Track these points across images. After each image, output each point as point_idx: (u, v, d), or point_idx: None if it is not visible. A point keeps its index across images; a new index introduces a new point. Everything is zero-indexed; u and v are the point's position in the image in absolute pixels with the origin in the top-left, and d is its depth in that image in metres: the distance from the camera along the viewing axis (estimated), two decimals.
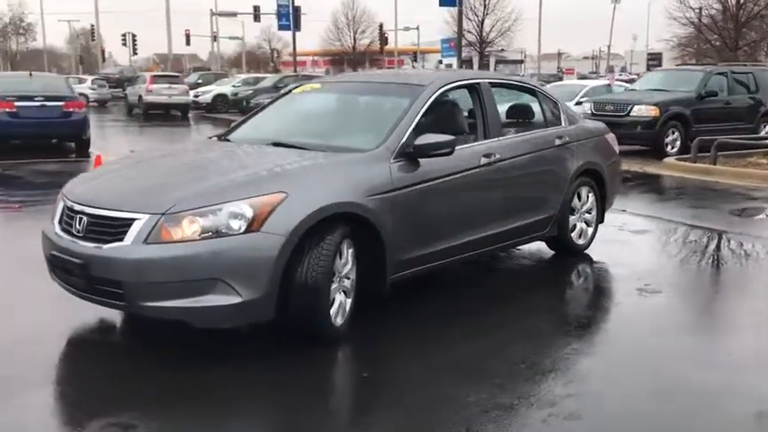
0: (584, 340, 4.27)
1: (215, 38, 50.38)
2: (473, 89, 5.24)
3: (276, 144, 4.65)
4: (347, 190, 4.05)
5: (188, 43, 52.66)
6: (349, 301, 4.19)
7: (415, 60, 57.87)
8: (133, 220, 3.65)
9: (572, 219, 5.89)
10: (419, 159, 4.48)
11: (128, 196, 3.85)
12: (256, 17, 44.90)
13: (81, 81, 32.40)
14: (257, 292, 3.62)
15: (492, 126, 5.17)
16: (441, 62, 46.88)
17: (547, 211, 5.60)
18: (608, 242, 6.45)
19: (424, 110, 4.71)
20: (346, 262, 4.10)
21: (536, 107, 5.86)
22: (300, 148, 4.50)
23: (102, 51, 59.42)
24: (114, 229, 3.69)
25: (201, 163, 4.30)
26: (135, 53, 50.31)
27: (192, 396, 3.41)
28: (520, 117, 5.76)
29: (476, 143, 5.04)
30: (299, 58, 73.99)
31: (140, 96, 24.69)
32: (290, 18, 35.02)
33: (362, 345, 4.12)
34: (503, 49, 51.69)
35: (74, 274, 3.77)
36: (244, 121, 5.48)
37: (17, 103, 12.10)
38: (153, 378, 3.59)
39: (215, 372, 3.66)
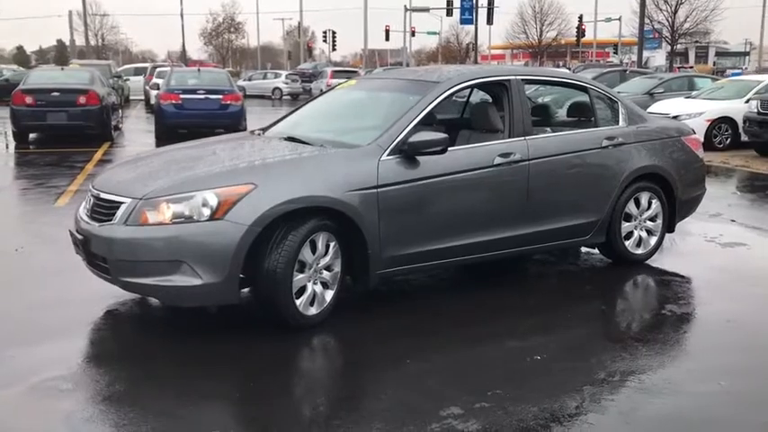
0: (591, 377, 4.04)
1: (413, 33, 51.73)
2: (499, 86, 5.08)
3: (289, 138, 4.89)
4: (323, 184, 4.18)
5: (387, 39, 54.77)
6: (329, 292, 4.32)
7: (616, 53, 55.11)
8: (121, 203, 4.08)
9: (626, 226, 5.48)
10: (417, 157, 4.48)
11: (123, 182, 4.30)
12: (449, 12, 45.41)
13: (276, 76, 35.01)
14: (217, 276, 3.89)
15: (517, 124, 4.98)
16: (615, 51, 44.00)
17: (588, 215, 5.27)
18: (684, 254, 5.91)
19: (430, 107, 4.69)
20: (322, 254, 4.23)
21: (585, 105, 5.53)
22: (304, 143, 4.70)
23: (310, 48, 63.54)
24: (108, 210, 4.15)
25: (204, 155, 4.65)
26: (334, 49, 53.23)
27: (174, 361, 3.78)
28: (568, 115, 5.47)
29: (491, 142, 4.90)
30: (496, 52, 74.04)
31: (321, 90, 26.23)
32: (473, 12, 35.32)
33: (347, 336, 4.25)
34: (724, 42, 47.45)
35: (81, 248, 4.29)
36: (289, 114, 5.78)
37: (182, 96, 13.55)
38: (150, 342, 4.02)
39: (193, 341, 4.04)
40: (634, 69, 24.07)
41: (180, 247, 3.89)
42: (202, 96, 13.71)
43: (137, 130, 17.39)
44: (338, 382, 3.78)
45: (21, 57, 77.81)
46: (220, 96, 13.76)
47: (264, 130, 5.53)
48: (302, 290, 4.16)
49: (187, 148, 5.00)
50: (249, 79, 36.63)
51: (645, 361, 3.86)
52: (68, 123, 13.63)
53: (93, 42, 62.03)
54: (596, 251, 5.72)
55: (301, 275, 4.13)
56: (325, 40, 51.61)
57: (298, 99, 33.23)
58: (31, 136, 14.46)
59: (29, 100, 13.43)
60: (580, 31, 47.24)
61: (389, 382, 3.63)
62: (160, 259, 3.91)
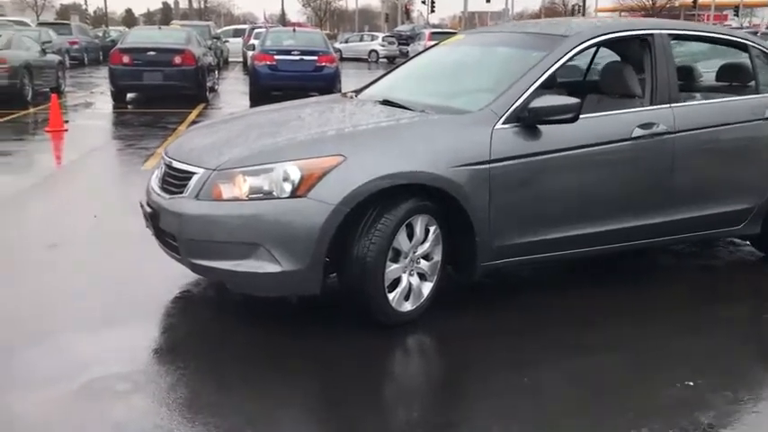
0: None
1: None
2: (640, 42, 4.22)
3: (385, 102, 4.22)
4: (425, 157, 3.49)
5: (487, 0, 53.04)
6: (427, 285, 3.67)
7: (736, 15, 51.07)
8: (193, 174, 3.55)
9: None
10: (538, 126, 3.73)
11: (197, 150, 3.75)
12: None
13: (373, 38, 34.35)
14: (298, 263, 3.30)
15: (661, 89, 4.12)
16: (736, 14, 39.86)
17: (742, 201, 4.38)
18: None
19: (556, 66, 3.90)
20: (420, 241, 3.58)
21: (743, 67, 4.58)
22: (402, 108, 4.03)
23: (408, 10, 62.36)
24: (180, 181, 3.62)
25: (288, 120, 4.04)
26: (432, 11, 51.86)
27: (246, 358, 3.26)
28: (717, 79, 4.55)
29: (629, 110, 4.07)
30: (604, 14, 70.43)
31: (418, 52, 25.31)
32: None
33: (439, 337, 3.61)
34: None
35: (150, 223, 3.81)
36: (385, 75, 5.11)
37: (277, 57, 13.12)
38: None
39: (271, 330, 3.52)
40: (766, 32, 21.90)
41: (256, 227, 3.32)
42: (297, 57, 13.24)
43: (233, 92, 17.20)
44: (433, 399, 3.15)
45: (129, 19, 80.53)
46: (315, 58, 13.24)
47: (357, 92, 4.89)
48: (396, 282, 3.53)
49: (271, 112, 4.41)
50: (346, 41, 36.17)
51: None
52: (164, 83, 13.51)
53: (195, 5, 63.11)
54: (746, 243, 4.82)
55: (395, 265, 3.50)
56: (423, 2, 50.40)
57: (394, 62, 32.48)
58: (129, 96, 14.46)
59: (126, 59, 13.35)
60: None
61: (495, 405, 2.97)
62: (234, 240, 3.35)
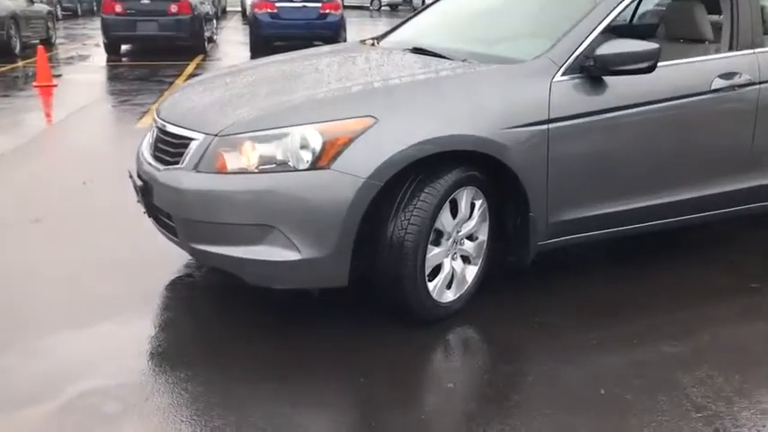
0: None
1: None
2: None
3: (416, 50, 3.58)
4: (471, 118, 2.87)
5: None
6: (471, 269, 3.10)
7: None
8: (191, 140, 2.93)
9: None
10: (604, 78, 3.11)
11: (194, 111, 3.12)
12: None
13: None
14: (321, 248, 2.71)
15: (743, 32, 3.47)
16: None
17: None
18: None
19: (625, 4, 3.24)
20: (465, 218, 2.99)
21: None
22: (438, 56, 3.39)
23: None
24: (174, 149, 3.02)
25: (303, 73, 3.39)
26: None
27: (260, 361, 2.71)
28: None
29: (705, 57, 3.43)
30: None
31: (423, 2, 24.33)
32: None
33: (486, 336, 3.05)
34: None
35: (141, 198, 3.21)
36: (412, 17, 4.44)
37: (278, 4, 12.32)
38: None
39: (291, 323, 2.96)
40: None
41: (269, 206, 2.72)
42: (299, 4, 12.45)
43: (232, 42, 16.41)
44: (483, 411, 2.60)
45: None
46: (319, 5, 12.45)
47: (379, 39, 4.23)
48: (437, 269, 2.96)
49: (282, 63, 3.75)
50: None
51: None
52: (159, 34, 12.78)
53: None
54: None
55: (437, 249, 2.91)
56: None
57: (396, 10, 31.38)
58: (123, 47, 13.71)
59: (118, 8, 12.58)
60: None
61: (561, 418, 2.42)
62: (241, 222, 2.75)
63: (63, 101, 8.73)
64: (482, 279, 3.15)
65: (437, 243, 2.91)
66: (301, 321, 3.05)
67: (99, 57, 13.09)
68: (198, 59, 12.50)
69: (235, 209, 2.76)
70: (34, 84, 9.51)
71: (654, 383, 2.62)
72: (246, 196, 2.74)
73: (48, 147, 6.45)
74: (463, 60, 3.25)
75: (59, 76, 10.66)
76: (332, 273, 2.78)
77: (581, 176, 3.14)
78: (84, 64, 12.52)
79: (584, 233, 3.28)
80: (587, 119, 3.07)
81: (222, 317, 3.12)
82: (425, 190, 2.79)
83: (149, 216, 3.22)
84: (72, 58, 13.37)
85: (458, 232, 2.99)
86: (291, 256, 2.73)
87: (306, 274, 2.78)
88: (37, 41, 13.02)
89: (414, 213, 2.76)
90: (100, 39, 13.83)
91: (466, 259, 3.09)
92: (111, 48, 13.17)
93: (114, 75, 11.15)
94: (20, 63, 11.95)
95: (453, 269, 3.01)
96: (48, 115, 8.11)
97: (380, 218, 2.80)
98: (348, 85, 3.02)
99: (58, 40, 15.72)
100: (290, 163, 2.73)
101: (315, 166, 2.70)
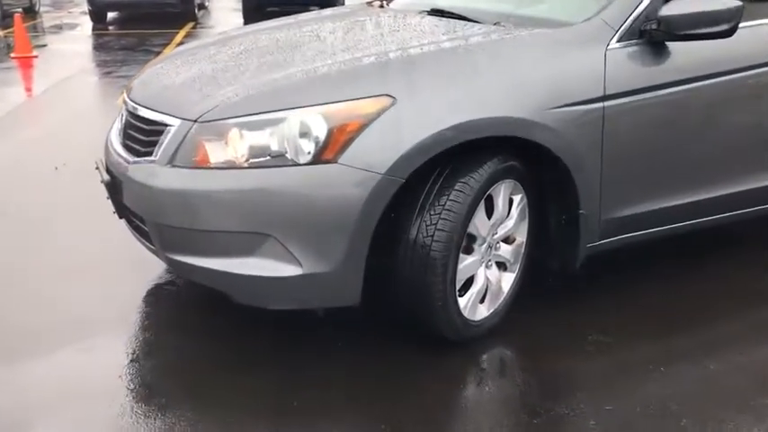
0: None
1: None
2: None
3: (435, 12, 3.00)
4: (511, 96, 2.31)
5: None
6: (509, 277, 2.57)
7: None
8: (165, 126, 2.38)
9: None
10: (669, 44, 2.55)
11: (170, 90, 2.56)
12: None
13: None
14: (328, 261, 2.17)
15: None
16: None
17: None
18: None
19: None
20: (503, 218, 2.46)
21: None
22: (464, 19, 2.82)
23: None
24: (147, 137, 2.46)
25: (302, 42, 2.80)
26: None
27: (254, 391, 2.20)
28: None
29: None
30: None
31: None
32: None
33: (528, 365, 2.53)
34: None
35: (109, 193, 2.67)
36: None
37: None
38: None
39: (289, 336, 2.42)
40: None
41: (262, 208, 2.18)
42: None
43: (225, 9, 15.66)
44: None
45: None
46: None
47: (385, 1, 3.65)
48: (469, 281, 2.43)
49: (276, 30, 3.15)
50: None
51: None
52: (148, 0, 12.08)
53: None
54: None
55: (470, 258, 2.38)
56: None
57: None
58: (110, 15, 13.01)
59: None
60: None
61: None
62: (228, 229, 2.21)
63: (45, 72, 8.13)
64: (519, 288, 2.64)
65: (469, 250, 2.37)
66: (303, 346, 2.52)
67: (85, 25, 12.42)
68: (188, 27, 11.83)
69: (219, 213, 2.21)
70: (12, 55, 8.88)
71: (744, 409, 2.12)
72: (234, 197, 2.20)
73: (19, 127, 5.85)
74: (495, 24, 2.68)
75: (43, 46, 10.04)
76: (341, 290, 2.25)
77: (641, 164, 2.60)
78: (69, 33, 11.86)
79: (640, 231, 2.74)
80: (649, 94, 2.52)
81: (210, 339, 2.58)
82: (456, 186, 2.24)
83: (120, 217, 2.67)
84: (56, 26, 12.69)
85: (493, 235, 2.46)
86: (291, 270, 2.19)
87: (308, 292, 2.24)
88: (19, 10, 12.32)
89: (442, 216, 2.23)
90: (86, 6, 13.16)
91: (501, 266, 2.57)
92: (97, 16, 12.49)
93: (99, 44, 10.49)
94: (0, 33, 11.29)
95: (488, 279, 2.48)
96: (28, 89, 7.52)
97: (400, 222, 2.27)
98: (358, 56, 2.44)
99: (42, 8, 15.00)
100: (287, 155, 2.18)
101: (318, 159, 2.16)
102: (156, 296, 2.88)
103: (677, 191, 2.73)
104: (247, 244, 2.21)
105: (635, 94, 2.50)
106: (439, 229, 2.22)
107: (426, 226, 2.22)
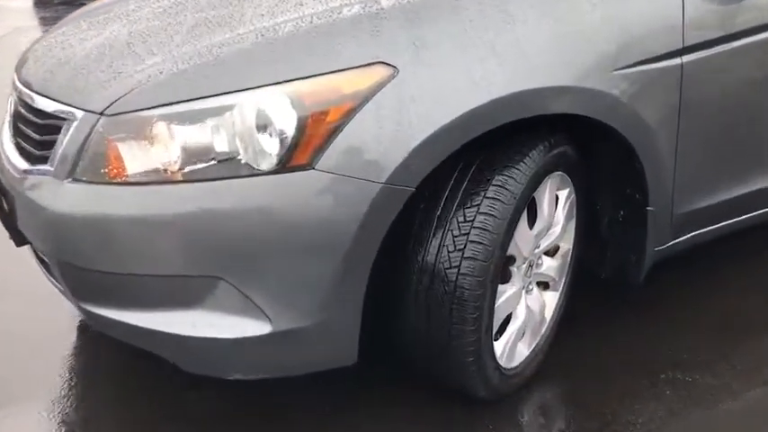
0: None
1: None
2: None
3: None
4: (564, 55, 1.61)
5: None
6: (552, 299, 1.91)
7: None
8: (63, 121, 1.65)
9: None
10: None
11: (68, 67, 1.79)
12: None
13: None
14: (310, 312, 1.48)
15: None
16: None
17: None
18: None
19: None
20: (549, 224, 1.78)
21: None
22: None
23: None
24: (40, 134, 1.72)
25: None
26: None
27: None
28: None
29: None
30: None
31: None
32: None
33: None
34: None
35: (1, 212, 1.93)
36: None
37: None
38: None
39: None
40: None
41: (208, 241, 1.46)
42: None
43: None
44: None
45: None
46: None
47: None
48: (507, 318, 1.77)
49: None
50: None
51: None
52: None
53: None
54: None
55: (509, 290, 1.70)
56: None
57: None
58: None
59: None
60: None
61: None
62: (160, 272, 1.52)
63: None
64: (565, 310, 1.98)
65: (506, 277, 1.70)
66: (288, 413, 1.84)
67: None
68: None
69: (144, 249, 1.50)
70: None
71: None
72: (164, 225, 1.49)
73: None
74: None
75: None
76: (329, 349, 1.56)
77: (724, 138, 1.93)
78: None
79: (715, 225, 2.09)
80: (739, 43, 1.84)
81: (149, 390, 1.90)
82: (490, 191, 1.55)
83: (17, 245, 1.94)
84: None
85: (535, 249, 1.78)
86: (255, 327, 1.50)
87: (284, 354, 1.55)
88: None
89: (471, 237, 1.53)
90: None
91: (543, 284, 1.91)
92: None
93: None
94: None
95: (529, 309, 1.81)
96: None
97: (410, 246, 1.58)
98: (336, 4, 1.69)
99: None
100: (240, 159, 1.47)
101: (287, 163, 1.44)
102: (82, 354, 2.16)
103: (764, 170, 2.07)
104: (189, 292, 1.51)
105: (720, 44, 1.81)
106: (468, 257, 1.53)
107: (449, 252, 1.54)
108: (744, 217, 2.16)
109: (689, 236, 2.03)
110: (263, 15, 1.74)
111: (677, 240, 1.99)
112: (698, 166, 1.90)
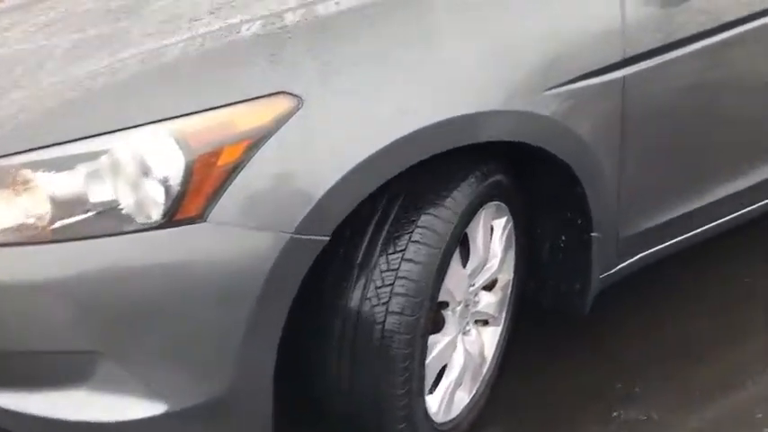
0: None
1: None
2: None
3: None
4: (492, 74, 1.42)
5: None
6: (492, 335, 1.74)
7: None
8: None
9: None
10: None
11: None
12: None
13: None
14: (210, 385, 1.27)
15: None
16: None
17: None
18: None
19: None
20: (484, 259, 1.61)
21: None
22: None
23: None
24: None
25: (141, 3, 1.79)
26: None
27: None
28: None
29: None
30: None
31: None
32: None
33: None
34: None
35: None
36: None
37: None
38: None
39: None
40: None
41: (83, 310, 1.23)
42: None
43: None
44: None
45: None
46: None
47: None
48: (442, 371, 1.58)
49: None
50: None
51: None
52: None
53: None
54: None
55: (444, 340, 1.52)
56: None
57: None
58: None
59: None
60: None
61: None
62: (29, 348, 1.27)
63: None
64: (507, 345, 1.81)
65: (438, 325, 1.52)
66: None
67: None
68: None
69: (9, 321, 1.27)
70: None
71: None
72: (31, 292, 1.25)
73: None
74: None
75: None
76: (238, 425, 1.35)
77: (675, 155, 1.78)
78: None
79: (664, 244, 1.94)
80: (679, 52, 1.68)
81: None
82: (416, 233, 1.36)
83: None
84: None
85: (470, 287, 1.60)
86: (145, 408, 1.27)
87: None
88: None
89: (396, 288, 1.34)
90: None
91: (483, 321, 1.73)
92: None
93: None
94: None
95: (467, 353, 1.64)
96: None
97: (325, 299, 1.38)
98: (234, 21, 1.44)
99: None
100: (121, 210, 1.24)
101: (175, 215, 1.22)
102: None
103: (715, 182, 1.94)
104: (64, 368, 1.28)
105: (662, 54, 1.66)
106: (393, 312, 1.34)
107: (372, 308, 1.34)
108: (696, 231, 2.03)
109: (637, 257, 1.88)
110: (150, 35, 1.51)
111: (624, 264, 1.84)
112: (644, 185, 1.75)
